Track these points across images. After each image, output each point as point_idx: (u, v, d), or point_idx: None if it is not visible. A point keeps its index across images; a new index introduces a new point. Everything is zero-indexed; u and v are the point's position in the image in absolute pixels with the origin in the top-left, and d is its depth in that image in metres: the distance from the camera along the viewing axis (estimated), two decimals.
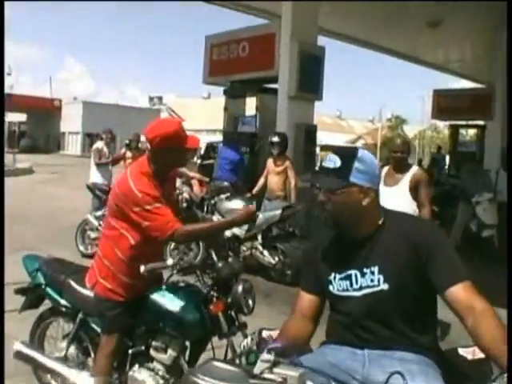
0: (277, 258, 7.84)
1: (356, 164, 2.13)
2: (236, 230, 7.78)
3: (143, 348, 3.56)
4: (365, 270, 2.17)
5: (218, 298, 3.41)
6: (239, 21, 41.67)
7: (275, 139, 8.73)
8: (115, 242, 3.44)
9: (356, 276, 2.18)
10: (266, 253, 7.93)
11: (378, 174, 2.23)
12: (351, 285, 2.19)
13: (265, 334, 2.40)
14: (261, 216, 7.74)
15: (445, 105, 19.18)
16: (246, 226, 7.77)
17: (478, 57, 17.86)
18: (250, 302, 3.49)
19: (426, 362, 2.00)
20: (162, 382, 3.48)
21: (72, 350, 3.78)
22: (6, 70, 41.64)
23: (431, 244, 2.05)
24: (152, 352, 3.52)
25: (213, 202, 8.39)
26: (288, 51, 10.16)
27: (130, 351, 3.54)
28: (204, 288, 3.48)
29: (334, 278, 2.25)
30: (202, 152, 12.11)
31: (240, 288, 3.43)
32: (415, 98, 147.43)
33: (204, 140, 17.07)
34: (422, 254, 2.03)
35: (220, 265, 3.44)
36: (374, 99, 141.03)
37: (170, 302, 3.45)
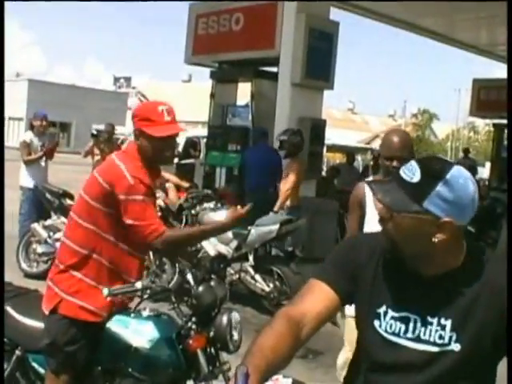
0: (272, 285, 7.85)
1: (439, 187, 1.95)
2: (222, 248, 7.88)
3: None
4: (429, 319, 2.07)
5: (197, 331, 3.47)
6: None
7: (284, 137, 9.09)
8: (91, 246, 3.54)
9: (415, 322, 2.10)
10: (258, 277, 7.92)
11: (467, 206, 2.01)
12: (406, 331, 2.10)
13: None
14: (253, 231, 7.73)
15: (487, 98, 18.80)
16: (234, 244, 7.84)
17: None
18: (237, 336, 3.53)
19: None
20: None
21: None
22: None
23: None
24: None
25: (194, 211, 8.59)
26: (293, 26, 10.21)
27: None
28: (180, 318, 3.55)
29: (386, 313, 2.14)
30: (180, 149, 12.07)
31: (225, 319, 3.50)
32: (449, 89, 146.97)
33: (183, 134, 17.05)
34: (503, 306, 1.94)
35: (200, 289, 3.50)
36: (397, 90, 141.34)
37: (135, 335, 3.51)
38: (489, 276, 2.01)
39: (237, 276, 7.99)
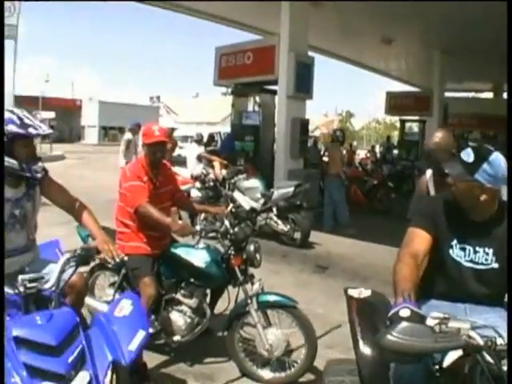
0: (288, 226, 8.39)
1: (485, 165, 2.17)
2: (253, 204, 8.31)
3: (173, 295, 3.91)
4: (478, 248, 2.31)
5: (234, 255, 3.74)
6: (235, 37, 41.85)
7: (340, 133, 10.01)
8: (126, 212, 3.85)
9: (469, 251, 2.31)
10: (279, 222, 8.44)
11: (503, 177, 2.21)
12: (464, 256, 2.32)
13: (351, 291, 2.45)
14: (276, 192, 8.33)
15: (395, 103, 21.28)
16: (262, 201, 8.42)
17: (419, 67, 20.45)
18: (259, 257, 3.80)
19: None
20: (189, 320, 3.86)
21: (117, 296, 4.05)
22: (44, 78, 43.39)
23: None
24: (180, 298, 3.88)
25: (233, 181, 8.83)
26: (286, 60, 11.09)
27: (163, 298, 3.89)
28: (223, 248, 3.83)
29: (456, 244, 2.34)
30: (205, 141, 12.30)
31: (252, 247, 3.76)
32: (362, 96, 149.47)
33: (194, 130, 17.42)
34: None
35: (236, 229, 3.75)
36: (330, 97, 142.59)
37: (194, 257, 3.79)
38: (509, 218, 2.28)
39: (264, 222, 8.49)
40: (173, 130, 9.76)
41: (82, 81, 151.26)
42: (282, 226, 8.35)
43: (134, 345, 2.35)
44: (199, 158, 10.08)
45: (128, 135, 11.09)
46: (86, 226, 2.95)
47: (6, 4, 29.40)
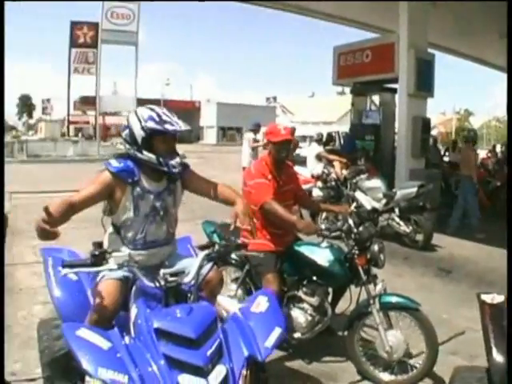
0: (410, 227, 8.24)
1: None
2: (375, 204, 8.17)
3: (295, 292, 3.96)
4: None
5: (358, 254, 3.71)
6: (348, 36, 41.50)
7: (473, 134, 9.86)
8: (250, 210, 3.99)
9: None
10: (401, 222, 8.30)
11: None
12: None
13: (484, 297, 2.41)
14: (398, 192, 8.14)
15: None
16: (384, 201, 8.25)
17: None
18: (383, 258, 3.75)
19: None
20: (310, 318, 3.89)
21: (239, 291, 4.24)
22: (165, 82, 47.58)
23: None
24: (302, 296, 3.91)
25: (354, 181, 8.70)
26: (406, 57, 10.79)
27: (285, 295, 3.94)
28: (347, 247, 3.81)
29: None
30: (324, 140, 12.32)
31: (376, 247, 3.72)
32: (481, 94, 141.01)
33: (310, 130, 17.38)
34: None
35: (360, 229, 3.73)
36: (448, 95, 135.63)
37: (319, 256, 3.80)
38: None
39: (386, 222, 8.30)
40: (294, 129, 9.96)
41: (200, 84, 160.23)
42: (404, 228, 8.22)
43: (270, 342, 2.40)
44: (319, 158, 10.13)
45: (250, 135, 11.63)
46: (228, 198, 3.04)
47: (125, 11, 31.64)
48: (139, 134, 2.75)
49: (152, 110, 2.82)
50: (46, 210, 2.33)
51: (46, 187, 13.44)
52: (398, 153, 11.04)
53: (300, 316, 3.88)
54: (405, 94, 10.75)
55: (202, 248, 2.90)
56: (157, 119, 2.75)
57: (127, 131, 2.81)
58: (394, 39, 11.27)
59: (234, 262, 4.23)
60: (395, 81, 11.23)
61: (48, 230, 2.31)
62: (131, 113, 2.88)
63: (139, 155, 2.78)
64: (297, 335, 3.91)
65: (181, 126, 2.78)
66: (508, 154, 10.43)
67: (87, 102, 44.37)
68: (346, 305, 3.95)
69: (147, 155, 2.76)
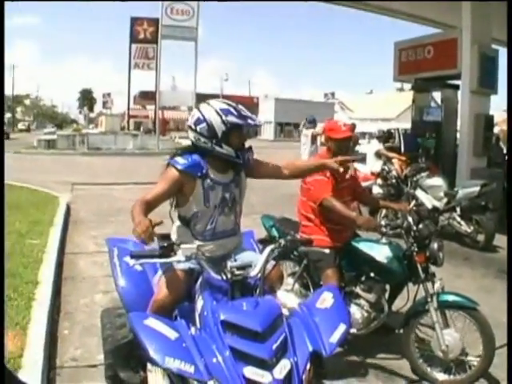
0: (472, 227, 8.05)
1: None
2: (436, 203, 8.08)
3: (353, 288, 3.97)
4: None
5: (418, 252, 3.67)
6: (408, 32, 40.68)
7: None
8: (309, 206, 3.99)
9: None
10: (462, 222, 8.14)
11: None
12: None
13: None
14: (460, 192, 7.97)
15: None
16: (445, 200, 8.13)
17: None
18: (442, 256, 3.70)
19: None
20: (366, 314, 3.89)
21: (296, 285, 4.25)
22: (224, 77, 48.35)
23: None
24: (360, 292, 3.92)
25: (415, 178, 8.56)
26: (469, 53, 10.57)
27: (342, 291, 3.91)
28: (406, 244, 3.77)
29: None
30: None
31: (436, 245, 3.68)
32: None
33: (369, 126, 17.16)
34: None
35: (420, 226, 3.69)
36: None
37: (377, 252, 3.79)
38: None
39: (446, 222, 8.20)
40: (354, 126, 9.89)
41: (258, 79, 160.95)
42: (465, 227, 8.04)
43: (335, 337, 2.39)
44: (378, 155, 10.05)
45: (309, 131, 11.38)
46: (307, 166, 3.24)
47: (185, 7, 31.91)
48: (220, 127, 2.76)
49: (228, 104, 2.84)
50: (138, 214, 2.44)
51: (107, 179, 13.83)
52: (459, 151, 10.84)
53: (357, 312, 3.88)
54: (467, 90, 10.57)
55: (263, 242, 2.96)
56: (236, 113, 2.77)
57: (204, 125, 2.80)
58: (457, 34, 11.16)
59: (292, 256, 4.25)
60: (458, 77, 11.09)
61: (150, 228, 2.32)
62: (204, 107, 2.86)
63: (218, 149, 2.80)
64: (352, 331, 3.88)
65: (259, 121, 2.90)
66: (508, 154, 10.02)
67: (147, 96, 45.74)
68: (402, 302, 3.92)
69: (227, 148, 2.79)
